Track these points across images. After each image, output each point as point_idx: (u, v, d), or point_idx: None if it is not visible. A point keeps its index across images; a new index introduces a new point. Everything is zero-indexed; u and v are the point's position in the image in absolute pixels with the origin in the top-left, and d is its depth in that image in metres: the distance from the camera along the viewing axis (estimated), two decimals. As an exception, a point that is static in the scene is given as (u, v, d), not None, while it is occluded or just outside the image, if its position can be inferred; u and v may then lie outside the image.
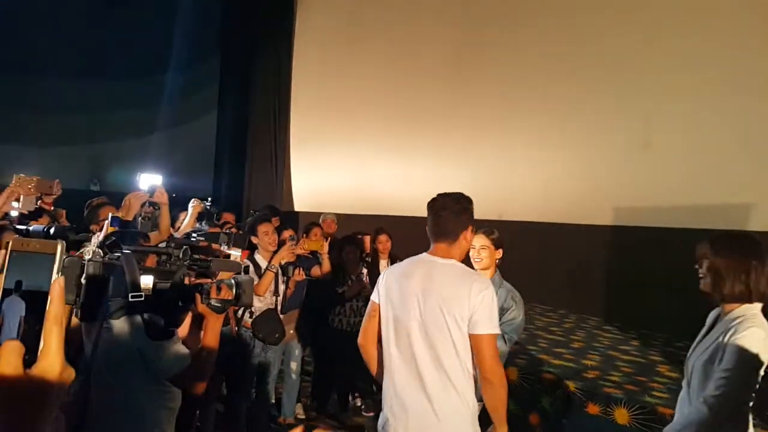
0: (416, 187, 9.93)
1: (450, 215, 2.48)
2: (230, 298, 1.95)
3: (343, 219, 6.88)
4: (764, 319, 2.09)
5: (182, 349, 2.05)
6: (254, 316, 4.09)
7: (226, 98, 12.90)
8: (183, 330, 2.06)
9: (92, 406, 2.03)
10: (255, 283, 4.06)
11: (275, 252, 4.16)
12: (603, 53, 7.41)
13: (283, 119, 12.11)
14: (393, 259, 5.22)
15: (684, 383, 2.28)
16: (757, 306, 2.13)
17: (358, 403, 5.22)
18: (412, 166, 9.95)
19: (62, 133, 11.81)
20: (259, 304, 4.12)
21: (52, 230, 2.93)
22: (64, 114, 11.81)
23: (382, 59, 10.51)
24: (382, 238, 5.17)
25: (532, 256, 6.73)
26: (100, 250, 1.61)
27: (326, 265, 4.57)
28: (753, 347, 1.99)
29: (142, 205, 3.58)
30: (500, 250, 3.35)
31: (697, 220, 5.61)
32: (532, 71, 8.30)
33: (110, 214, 3.09)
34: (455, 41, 9.53)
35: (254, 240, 4.26)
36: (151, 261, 1.98)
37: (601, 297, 6.80)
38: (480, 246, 3.30)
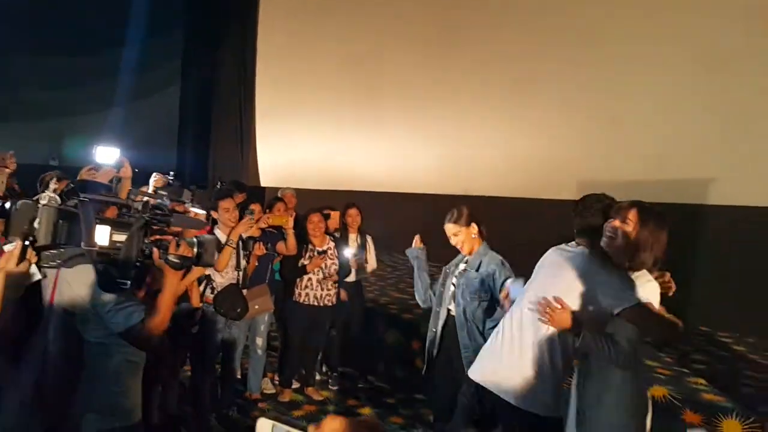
0: (384, 163, 9.93)
1: None
2: (190, 255, 1.91)
3: (311, 194, 6.82)
4: None
5: (135, 304, 1.99)
6: (216, 292, 4.03)
7: (189, 71, 12.59)
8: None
9: (51, 356, 2.01)
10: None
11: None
12: (569, 27, 7.42)
13: (248, 93, 11.89)
14: (362, 234, 5.20)
15: None
16: None
17: (326, 378, 5.24)
18: (379, 141, 9.90)
19: (19, 108, 11.42)
20: (221, 280, 4.05)
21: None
22: (21, 89, 11.41)
23: (349, 34, 10.36)
24: (352, 212, 5.13)
25: (497, 231, 6.76)
26: (56, 197, 1.57)
27: (291, 240, 4.51)
28: None
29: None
30: (473, 225, 3.33)
31: (660, 194, 5.71)
32: (498, 46, 8.28)
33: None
34: (423, 16, 9.44)
35: (214, 215, 4.17)
36: (111, 214, 1.93)
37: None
38: (452, 234, 3.35)
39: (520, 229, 7.27)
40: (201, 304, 4.03)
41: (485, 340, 3.14)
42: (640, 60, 6.53)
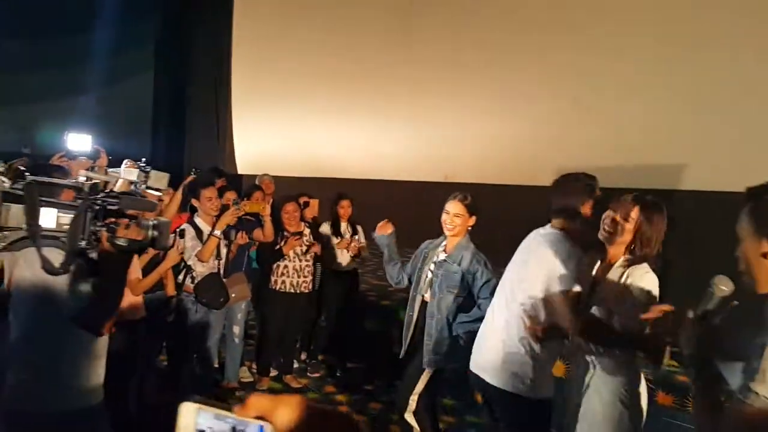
0: (363, 150, 9.89)
1: None
2: (140, 238, 1.87)
3: (289, 181, 6.76)
4: None
5: (80, 288, 1.96)
6: (196, 281, 3.99)
7: (162, 57, 12.35)
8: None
9: (9, 339, 2.01)
10: (197, 249, 3.94)
11: (218, 217, 4.03)
12: (549, 14, 7.43)
13: (224, 78, 11.73)
14: (353, 225, 5.17)
15: None
16: None
17: (304, 365, 5.23)
18: (358, 128, 9.84)
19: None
20: (202, 269, 4.01)
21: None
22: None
23: (327, 20, 10.26)
24: (345, 203, 5.11)
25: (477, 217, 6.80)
26: (4, 179, 1.54)
27: (268, 228, 4.47)
28: None
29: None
30: (474, 217, 3.27)
31: (635, 179, 5.77)
32: (476, 34, 8.27)
33: None
34: (401, 3, 9.38)
35: (195, 203, 4.11)
36: (67, 196, 1.89)
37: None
38: (454, 213, 3.22)
39: (498, 214, 7.32)
40: (175, 293, 3.99)
41: (451, 335, 3.18)
42: (616, 47, 6.58)
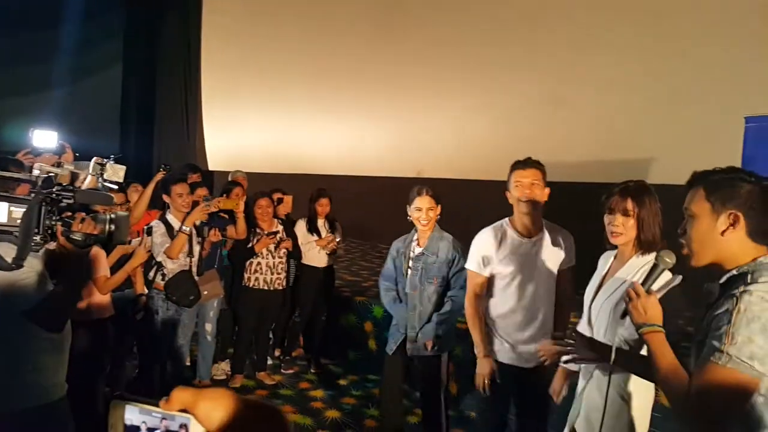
0: (336, 146, 9.86)
1: None
2: (96, 232, 1.85)
3: (262, 178, 6.70)
4: None
5: (33, 283, 1.92)
6: (167, 278, 3.93)
7: (130, 53, 12.12)
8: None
9: None
10: (167, 245, 3.89)
11: (188, 213, 3.99)
12: (523, 12, 7.50)
13: (194, 74, 11.57)
14: (331, 222, 5.14)
15: (584, 324, 2.36)
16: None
17: (278, 362, 5.21)
18: (331, 124, 9.81)
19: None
20: (173, 266, 3.96)
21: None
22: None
23: (298, 16, 10.20)
24: (323, 201, 5.09)
25: (450, 212, 6.84)
26: None
27: (242, 225, 4.43)
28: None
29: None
30: (439, 207, 3.35)
31: (605, 173, 5.86)
32: (448, 29, 8.31)
33: None
34: (373, 2, 9.38)
35: (166, 199, 4.06)
36: (23, 190, 1.85)
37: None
38: (428, 207, 3.28)
39: (470, 209, 7.38)
40: (145, 290, 3.94)
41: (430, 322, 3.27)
42: (586, 43, 6.67)
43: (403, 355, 3.33)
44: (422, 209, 3.27)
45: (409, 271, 3.35)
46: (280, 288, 4.72)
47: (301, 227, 5.04)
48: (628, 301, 1.68)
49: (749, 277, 1.45)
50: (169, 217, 4.03)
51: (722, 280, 1.53)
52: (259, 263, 4.60)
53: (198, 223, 4.10)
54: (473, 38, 7.97)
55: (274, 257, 4.65)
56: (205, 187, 4.51)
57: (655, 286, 1.70)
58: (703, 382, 1.41)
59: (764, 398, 1.40)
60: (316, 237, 5.01)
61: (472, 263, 2.91)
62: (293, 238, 4.85)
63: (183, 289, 3.97)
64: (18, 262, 1.74)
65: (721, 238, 1.52)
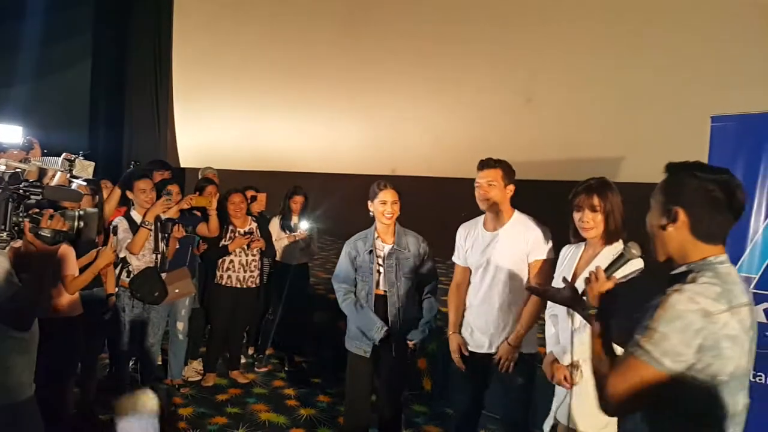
0: (310, 143, 9.82)
1: None
2: (64, 229, 1.83)
3: (233, 175, 6.64)
4: None
5: (2, 280, 1.88)
6: (132, 275, 3.88)
7: (100, 47, 11.92)
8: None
9: None
10: (128, 241, 3.83)
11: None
12: (493, 10, 7.55)
13: (164, 71, 11.42)
14: (306, 219, 5.12)
15: (564, 315, 2.46)
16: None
17: (252, 360, 5.18)
18: (303, 121, 9.77)
19: None
20: (138, 263, 3.90)
21: None
22: None
23: (271, 12, 10.12)
24: (298, 198, 5.10)
25: (423, 210, 6.87)
26: None
27: (214, 222, 4.39)
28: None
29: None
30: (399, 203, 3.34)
31: (574, 172, 5.93)
32: (421, 27, 8.34)
33: None
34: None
35: (130, 195, 4.00)
36: None
37: (487, 248, 7.09)
38: (392, 201, 3.26)
39: (443, 206, 7.42)
40: (115, 290, 3.87)
41: (414, 319, 3.26)
42: (558, 42, 6.75)
43: (373, 358, 3.25)
44: (387, 202, 3.23)
45: (381, 269, 3.29)
46: (254, 286, 4.69)
47: (274, 225, 5.02)
48: (587, 283, 1.71)
49: (689, 276, 1.45)
50: (133, 213, 3.98)
51: (670, 277, 1.53)
52: (231, 261, 4.57)
53: (163, 218, 4.04)
54: (447, 36, 8.01)
55: (247, 255, 4.62)
56: (176, 185, 4.44)
57: (618, 274, 1.74)
58: (618, 372, 1.43)
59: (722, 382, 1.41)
60: (289, 234, 4.99)
61: (455, 254, 3.17)
62: (267, 235, 4.82)
63: (148, 285, 3.91)
64: None
65: (663, 233, 1.52)
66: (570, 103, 6.73)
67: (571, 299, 1.89)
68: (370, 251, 3.28)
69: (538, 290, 2.45)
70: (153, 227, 3.92)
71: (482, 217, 3.08)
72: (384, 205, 3.23)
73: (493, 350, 2.92)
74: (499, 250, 2.94)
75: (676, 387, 1.39)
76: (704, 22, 5.86)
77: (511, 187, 2.98)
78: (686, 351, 1.36)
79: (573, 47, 6.66)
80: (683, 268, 1.50)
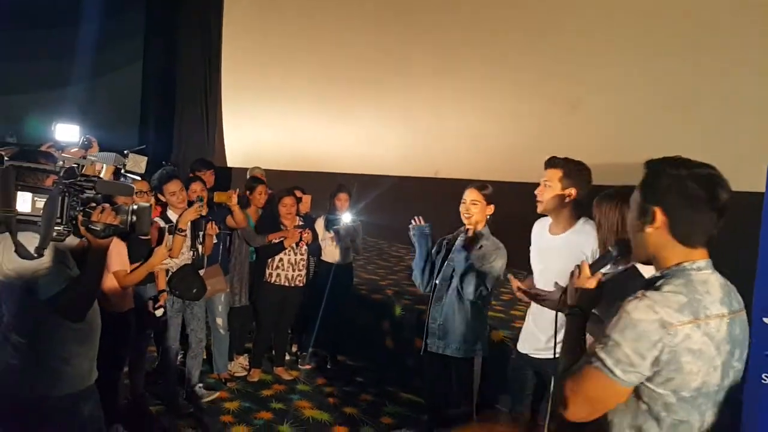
0: (354, 145, 9.88)
1: None
2: (115, 222, 1.86)
3: (280, 175, 6.73)
4: None
5: (57, 273, 1.95)
6: (170, 273, 4.01)
7: (151, 49, 12.27)
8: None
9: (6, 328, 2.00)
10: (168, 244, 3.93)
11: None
12: (532, 14, 7.47)
13: (213, 72, 11.66)
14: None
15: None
16: None
17: (296, 358, 5.24)
18: (348, 124, 9.83)
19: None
20: (176, 260, 4.02)
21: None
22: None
23: (321, 13, 10.22)
24: (342, 196, 5.13)
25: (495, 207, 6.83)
26: None
27: (237, 214, 4.48)
28: None
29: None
30: (492, 206, 3.29)
31: (617, 176, 5.80)
32: (463, 33, 8.30)
33: None
34: (390, 2, 9.39)
35: (162, 198, 4.12)
36: (50, 182, 1.88)
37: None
38: (471, 200, 3.24)
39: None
40: (167, 287, 3.99)
41: (476, 322, 3.26)
42: (599, 47, 6.64)
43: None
44: (465, 201, 3.24)
45: (445, 263, 3.29)
46: (301, 285, 4.76)
47: (320, 224, 5.07)
48: (570, 278, 1.65)
49: (657, 283, 1.36)
50: (170, 213, 4.09)
51: (644, 282, 1.44)
52: (281, 259, 4.64)
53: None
54: (491, 41, 7.95)
55: (296, 254, 4.69)
56: (199, 182, 4.46)
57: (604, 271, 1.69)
58: (573, 377, 1.38)
59: (647, 407, 1.34)
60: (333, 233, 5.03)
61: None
62: (314, 236, 4.88)
63: (186, 283, 4.04)
64: (40, 251, 1.76)
65: (641, 234, 1.42)
66: (614, 108, 6.59)
67: (562, 303, 1.83)
68: (447, 243, 3.43)
69: (529, 293, 2.42)
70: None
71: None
72: (462, 204, 3.29)
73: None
74: (554, 258, 2.67)
75: (630, 400, 1.33)
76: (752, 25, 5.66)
77: (572, 191, 2.66)
78: (640, 362, 1.28)
79: (617, 52, 6.52)
80: (657, 274, 1.40)
